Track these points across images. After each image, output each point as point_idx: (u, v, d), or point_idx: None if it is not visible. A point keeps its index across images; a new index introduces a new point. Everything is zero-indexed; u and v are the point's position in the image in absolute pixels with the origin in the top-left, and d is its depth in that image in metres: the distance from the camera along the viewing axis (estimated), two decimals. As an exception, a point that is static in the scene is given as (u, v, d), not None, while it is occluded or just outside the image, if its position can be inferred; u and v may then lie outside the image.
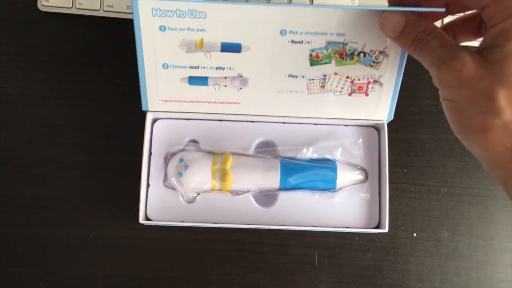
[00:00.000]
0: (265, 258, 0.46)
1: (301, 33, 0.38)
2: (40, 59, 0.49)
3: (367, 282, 0.46)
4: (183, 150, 0.45)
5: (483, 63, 0.29)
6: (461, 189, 0.48)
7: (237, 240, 0.46)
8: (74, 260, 0.46)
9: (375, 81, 0.41)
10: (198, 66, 0.40)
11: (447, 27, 0.36)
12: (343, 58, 0.40)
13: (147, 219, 0.43)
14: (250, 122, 0.45)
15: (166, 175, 0.44)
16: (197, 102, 0.43)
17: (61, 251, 0.46)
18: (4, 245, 0.46)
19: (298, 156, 0.45)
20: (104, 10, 0.48)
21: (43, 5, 0.48)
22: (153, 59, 0.40)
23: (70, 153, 0.47)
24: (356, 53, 0.39)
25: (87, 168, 0.47)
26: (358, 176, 0.45)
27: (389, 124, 0.44)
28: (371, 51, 0.39)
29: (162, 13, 0.37)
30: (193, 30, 0.38)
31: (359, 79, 0.41)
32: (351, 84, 0.41)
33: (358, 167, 0.45)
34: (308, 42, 0.39)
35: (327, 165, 0.44)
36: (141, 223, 0.42)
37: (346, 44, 0.39)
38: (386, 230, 0.42)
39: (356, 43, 0.39)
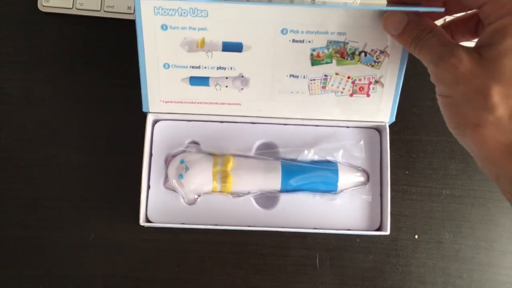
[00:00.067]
0: (266, 260, 0.46)
1: (302, 32, 0.38)
2: (41, 59, 0.48)
3: (368, 284, 0.46)
4: (183, 151, 0.44)
5: (479, 61, 0.29)
6: (463, 191, 0.48)
7: (238, 242, 0.46)
8: (74, 261, 0.46)
9: (376, 82, 0.41)
10: (199, 66, 0.40)
11: (445, 27, 0.37)
12: (344, 58, 0.40)
13: (148, 220, 0.43)
14: (251, 124, 0.45)
15: (166, 177, 0.44)
16: (198, 103, 0.43)
17: (61, 252, 0.46)
18: (4, 245, 0.46)
19: (299, 158, 0.45)
20: (104, 11, 0.48)
21: (43, 6, 0.48)
22: (154, 59, 0.40)
23: (71, 154, 0.47)
24: (357, 52, 0.39)
25: (88, 169, 0.47)
26: (359, 178, 0.45)
27: (390, 126, 0.44)
28: (372, 50, 0.39)
29: (164, 12, 0.37)
30: (194, 29, 0.38)
31: (360, 80, 0.41)
32: (352, 85, 0.41)
33: (360, 169, 0.45)
34: (309, 41, 0.39)
35: (328, 167, 0.44)
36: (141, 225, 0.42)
37: (347, 43, 0.39)
38: (387, 232, 0.42)
39: (357, 42, 0.39)
